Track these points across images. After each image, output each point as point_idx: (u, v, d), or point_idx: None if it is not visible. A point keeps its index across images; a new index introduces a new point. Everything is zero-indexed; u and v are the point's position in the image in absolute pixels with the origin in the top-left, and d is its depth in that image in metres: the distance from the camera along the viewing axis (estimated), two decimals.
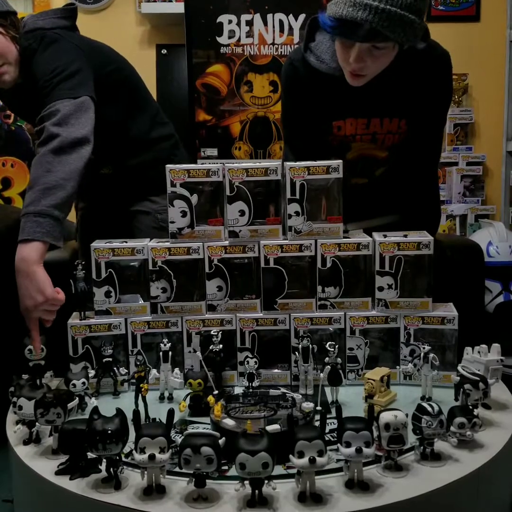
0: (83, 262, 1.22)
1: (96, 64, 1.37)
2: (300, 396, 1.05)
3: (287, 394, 1.06)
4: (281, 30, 2.53)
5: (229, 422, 0.96)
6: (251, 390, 1.11)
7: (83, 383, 1.09)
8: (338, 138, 1.37)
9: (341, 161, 1.20)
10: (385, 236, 1.21)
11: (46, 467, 0.92)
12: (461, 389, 1.01)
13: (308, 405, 1.01)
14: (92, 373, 1.15)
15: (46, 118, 1.18)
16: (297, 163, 1.18)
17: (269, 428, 0.85)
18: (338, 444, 0.84)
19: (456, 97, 2.66)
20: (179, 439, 0.86)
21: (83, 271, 1.22)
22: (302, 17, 2.54)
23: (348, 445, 0.82)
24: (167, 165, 1.21)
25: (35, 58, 1.25)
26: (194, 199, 1.21)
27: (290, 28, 2.55)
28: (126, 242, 1.23)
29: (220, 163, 1.22)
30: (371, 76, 1.25)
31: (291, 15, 2.53)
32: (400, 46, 1.19)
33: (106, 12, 2.65)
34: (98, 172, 1.45)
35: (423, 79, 1.32)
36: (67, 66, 1.22)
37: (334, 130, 1.36)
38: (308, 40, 1.35)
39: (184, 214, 1.21)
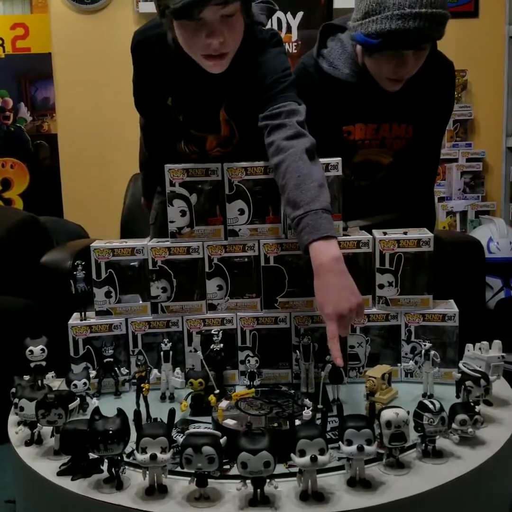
0: (83, 263, 1.22)
1: None
2: (309, 414, 0.99)
3: (305, 406, 1.02)
4: (279, 28, 2.53)
5: (223, 405, 1.03)
6: (292, 392, 1.09)
7: (84, 383, 1.09)
8: (347, 142, 1.38)
9: (340, 158, 1.20)
10: (385, 233, 1.21)
11: (48, 468, 0.93)
12: (463, 386, 1.01)
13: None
14: (93, 373, 1.15)
15: (289, 113, 1.16)
16: None
17: (226, 422, 0.93)
18: (340, 442, 0.84)
19: (456, 93, 2.66)
20: (180, 438, 0.86)
21: (83, 272, 1.22)
22: (300, 14, 2.54)
23: (349, 443, 0.82)
24: (166, 165, 1.21)
25: (268, 51, 1.23)
26: (193, 198, 1.21)
27: (288, 26, 2.55)
28: (126, 242, 1.24)
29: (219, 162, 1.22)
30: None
31: (289, 13, 2.53)
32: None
33: (103, 12, 2.63)
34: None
35: (430, 87, 1.34)
36: (291, 72, 1.23)
37: (343, 135, 1.37)
38: (320, 47, 1.36)
39: (183, 213, 1.21)
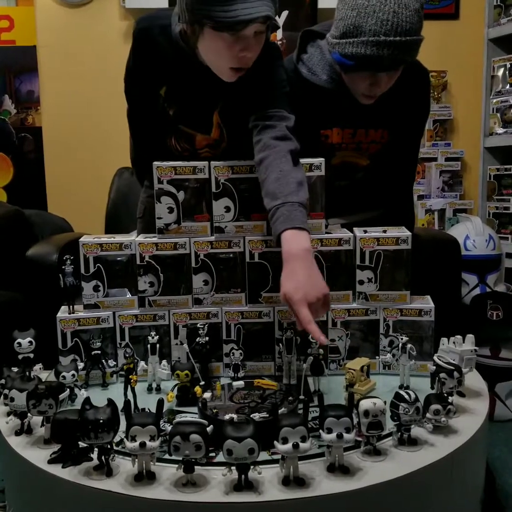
0: (71, 257, 1.24)
1: None
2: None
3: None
4: None
5: (235, 384, 1.13)
6: (302, 397, 1.09)
7: (73, 375, 1.11)
8: (325, 145, 1.42)
9: (323, 159, 1.24)
10: (365, 231, 1.26)
11: (38, 456, 0.95)
12: (437, 378, 1.05)
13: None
14: (81, 365, 1.18)
15: (280, 118, 1.22)
16: None
17: (205, 394, 1.05)
18: (320, 430, 0.88)
19: (436, 93, 2.71)
20: (168, 427, 0.89)
21: (72, 266, 1.24)
22: (285, 13, 2.57)
23: (329, 431, 0.86)
24: (154, 162, 1.23)
25: (269, 64, 1.28)
26: (180, 195, 1.24)
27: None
28: (114, 237, 1.26)
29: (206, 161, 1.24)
30: None
31: None
32: None
33: (90, 6, 2.62)
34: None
35: (405, 94, 1.38)
36: (287, 84, 1.28)
37: (321, 139, 1.40)
38: (300, 52, 1.39)
39: (171, 210, 1.24)
